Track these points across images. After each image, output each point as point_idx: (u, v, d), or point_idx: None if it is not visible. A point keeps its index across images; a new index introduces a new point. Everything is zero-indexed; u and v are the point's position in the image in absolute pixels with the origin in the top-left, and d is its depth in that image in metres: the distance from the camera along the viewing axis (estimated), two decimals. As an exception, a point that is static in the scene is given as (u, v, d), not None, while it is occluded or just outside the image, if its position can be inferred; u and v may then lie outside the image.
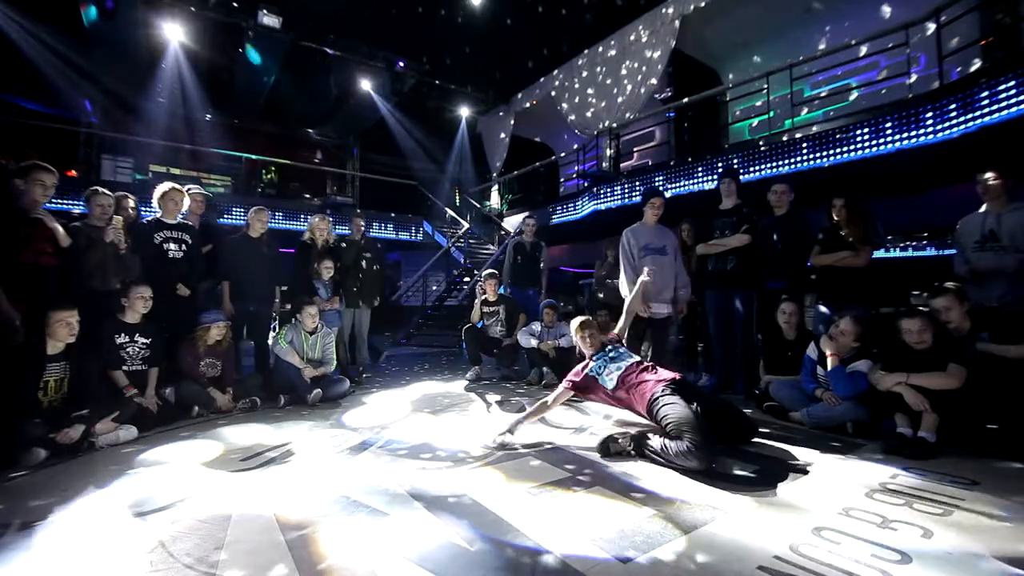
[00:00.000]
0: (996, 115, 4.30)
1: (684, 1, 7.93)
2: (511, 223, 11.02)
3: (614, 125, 9.08)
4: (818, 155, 5.66)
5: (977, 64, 5.63)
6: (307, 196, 12.33)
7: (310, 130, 13.46)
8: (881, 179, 5.70)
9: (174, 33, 9.21)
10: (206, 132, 11.23)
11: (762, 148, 6.24)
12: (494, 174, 13.12)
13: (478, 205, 12.99)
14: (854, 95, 7.23)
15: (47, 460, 2.57)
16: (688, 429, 2.35)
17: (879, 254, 4.44)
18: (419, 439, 2.99)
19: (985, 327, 2.85)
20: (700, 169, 6.95)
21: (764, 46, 8.35)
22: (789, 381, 3.50)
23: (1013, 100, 4.19)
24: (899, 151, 5.04)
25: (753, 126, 8.53)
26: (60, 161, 6.01)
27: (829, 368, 3.17)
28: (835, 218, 3.73)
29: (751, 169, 6.26)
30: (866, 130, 5.27)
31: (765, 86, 6.76)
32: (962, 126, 4.59)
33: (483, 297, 5.34)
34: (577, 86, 10.30)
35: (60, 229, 3.22)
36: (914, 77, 5.70)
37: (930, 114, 4.83)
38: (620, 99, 9.15)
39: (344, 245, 5.20)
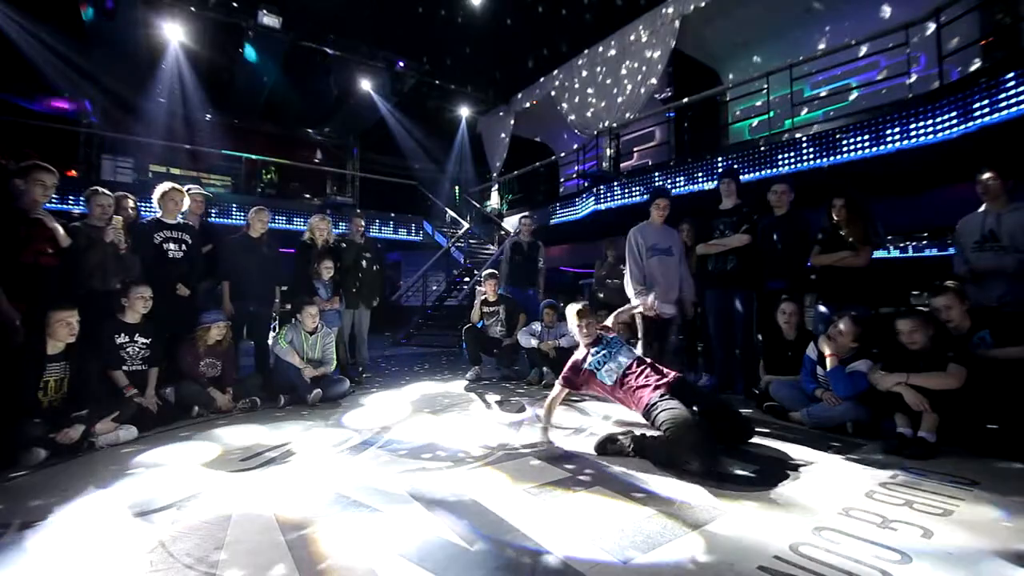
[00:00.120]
0: (996, 115, 4.30)
1: (684, 1, 7.92)
2: (511, 223, 10.99)
3: (614, 125, 9.07)
4: (818, 155, 5.66)
5: (977, 64, 5.63)
6: (307, 196, 12.31)
7: (310, 130, 13.44)
8: (881, 179, 5.70)
9: (174, 33, 9.21)
10: (206, 132, 11.21)
11: (762, 148, 6.24)
12: (494, 174, 13.10)
13: (478, 205, 12.97)
14: (854, 95, 7.22)
15: (47, 460, 2.57)
16: (686, 431, 2.34)
17: (879, 254, 4.45)
18: (419, 439, 2.99)
19: (984, 327, 2.85)
20: (700, 171, 6.94)
21: (764, 46, 8.34)
22: (789, 381, 3.50)
23: (1013, 100, 4.18)
24: (899, 151, 5.03)
25: (753, 126, 8.52)
26: (60, 161, 6.00)
27: (828, 368, 3.18)
28: (835, 218, 3.73)
29: (751, 169, 6.26)
30: (866, 130, 5.26)
31: (765, 86, 6.75)
32: (962, 126, 4.59)
33: (483, 297, 5.34)
34: (577, 86, 10.29)
35: (60, 229, 3.22)
36: (914, 77, 5.70)
37: (930, 114, 4.83)
38: (620, 99, 9.14)
39: (344, 245, 5.20)
